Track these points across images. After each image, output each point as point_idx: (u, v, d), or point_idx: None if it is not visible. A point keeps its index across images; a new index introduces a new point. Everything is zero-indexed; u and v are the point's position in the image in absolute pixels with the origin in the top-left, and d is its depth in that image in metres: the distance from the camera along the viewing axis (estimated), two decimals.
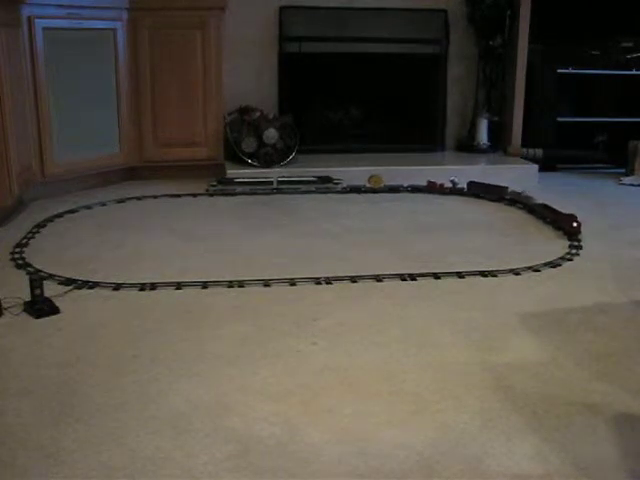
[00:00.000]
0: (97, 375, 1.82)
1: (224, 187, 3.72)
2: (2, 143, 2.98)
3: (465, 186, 3.82)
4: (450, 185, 3.82)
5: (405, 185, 3.88)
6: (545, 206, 3.42)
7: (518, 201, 3.64)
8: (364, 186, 3.82)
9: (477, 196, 3.76)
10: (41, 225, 3.13)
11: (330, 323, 2.16)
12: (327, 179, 3.80)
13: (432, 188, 3.83)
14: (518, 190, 3.72)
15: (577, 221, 3.12)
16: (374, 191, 3.79)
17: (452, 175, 3.86)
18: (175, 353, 1.95)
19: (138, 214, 3.38)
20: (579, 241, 3.02)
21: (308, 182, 3.79)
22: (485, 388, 1.78)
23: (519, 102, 4.37)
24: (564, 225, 3.16)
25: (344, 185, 3.80)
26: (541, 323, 2.18)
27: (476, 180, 3.84)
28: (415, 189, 3.86)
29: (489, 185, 3.79)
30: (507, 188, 3.74)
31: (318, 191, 3.76)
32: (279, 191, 3.75)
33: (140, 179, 3.93)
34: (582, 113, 4.61)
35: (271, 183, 3.77)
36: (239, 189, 3.73)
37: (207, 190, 3.72)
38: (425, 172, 3.99)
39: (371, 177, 3.77)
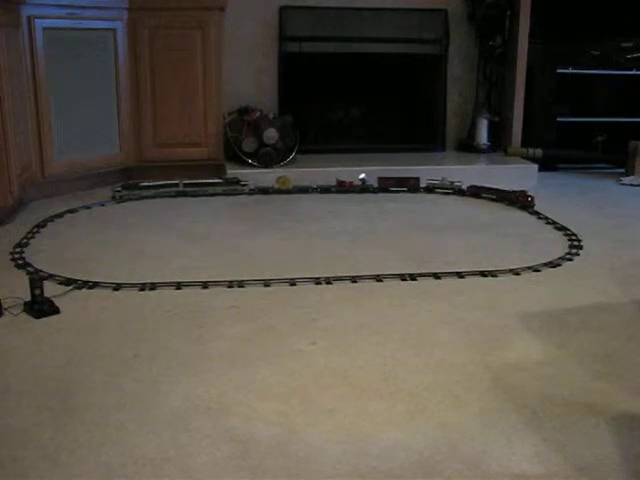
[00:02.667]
0: (97, 375, 1.82)
1: (130, 192, 3.58)
2: (2, 143, 2.98)
3: (376, 182, 3.83)
4: (360, 183, 3.82)
5: (314, 186, 3.83)
6: (490, 188, 3.63)
7: (441, 187, 3.78)
8: (272, 187, 3.78)
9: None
10: (41, 225, 3.13)
11: (330, 323, 2.16)
12: (235, 181, 3.73)
13: (342, 186, 3.81)
14: (437, 178, 3.80)
15: (530, 195, 3.51)
16: (281, 192, 3.74)
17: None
18: (175, 353, 1.95)
19: (138, 214, 3.38)
20: (579, 241, 3.02)
21: (214, 184, 3.71)
22: (485, 388, 1.78)
23: (519, 102, 4.37)
24: (520, 200, 3.48)
25: (252, 187, 3.75)
26: (541, 323, 2.18)
27: (385, 176, 3.85)
28: (324, 189, 3.82)
29: (400, 178, 3.82)
30: (418, 179, 3.81)
31: (225, 193, 3.69)
32: (185, 194, 3.65)
33: (140, 179, 3.92)
34: (582, 113, 4.61)
35: (177, 185, 3.68)
36: (144, 193, 3.61)
37: (113, 197, 3.57)
38: (425, 172, 3.99)
39: (279, 178, 3.74)
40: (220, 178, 3.74)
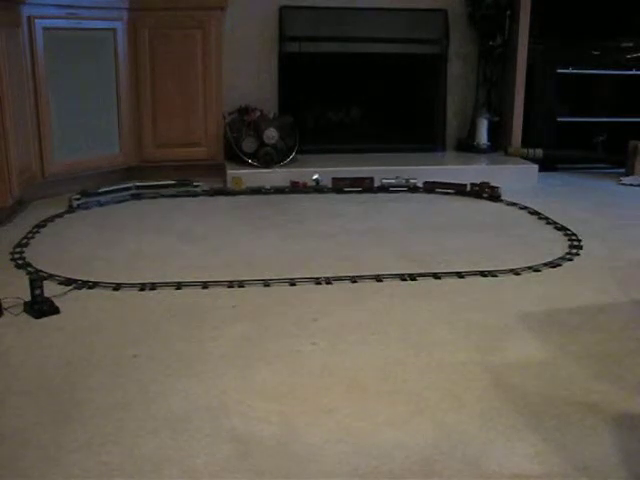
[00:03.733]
0: (97, 375, 1.82)
1: (87, 199, 3.42)
2: (2, 143, 2.98)
3: (330, 183, 3.82)
4: (313, 183, 3.80)
5: (268, 186, 3.80)
6: (446, 183, 3.78)
7: (396, 186, 3.80)
8: (226, 187, 3.73)
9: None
10: (41, 225, 3.13)
11: (330, 323, 2.16)
12: (187, 182, 3.69)
13: (295, 187, 3.79)
14: (392, 177, 3.81)
15: (494, 186, 3.70)
16: (235, 193, 3.70)
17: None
18: (175, 353, 1.95)
19: (138, 214, 3.38)
20: (579, 241, 3.02)
21: (167, 186, 3.67)
22: (485, 388, 1.78)
23: (519, 102, 4.36)
24: (488, 192, 3.66)
25: (205, 188, 3.70)
26: (541, 323, 2.18)
27: (339, 176, 3.84)
28: (278, 190, 3.79)
29: (355, 178, 3.81)
30: (372, 179, 3.81)
31: (178, 194, 3.64)
32: (138, 197, 3.59)
33: (140, 179, 3.92)
34: (582, 113, 4.61)
35: (130, 189, 3.61)
36: (102, 199, 3.49)
37: (70, 205, 3.39)
38: (425, 172, 3.99)
39: (233, 178, 3.72)
40: (174, 179, 3.69)
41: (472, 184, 3.81)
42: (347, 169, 3.93)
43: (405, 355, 1.96)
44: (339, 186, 3.80)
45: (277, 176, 3.85)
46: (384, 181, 3.83)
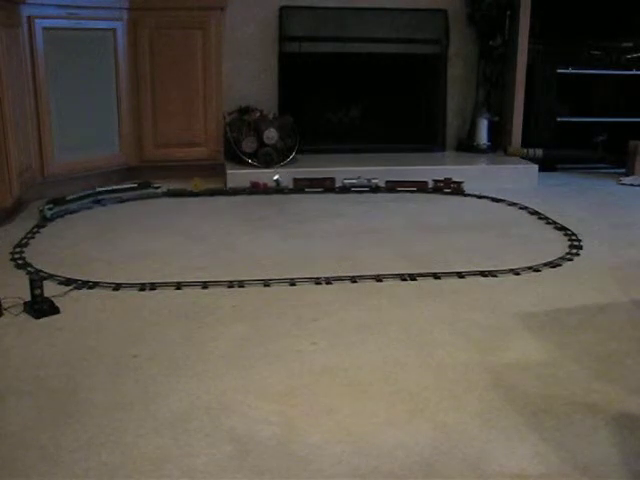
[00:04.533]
0: (97, 375, 1.82)
1: (59, 208, 3.24)
2: (2, 143, 2.98)
3: (291, 184, 3.80)
4: (274, 184, 3.78)
5: (227, 187, 3.75)
6: (408, 181, 3.81)
7: (358, 186, 3.79)
8: (185, 189, 3.67)
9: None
10: (41, 225, 3.13)
11: (330, 323, 2.16)
12: (147, 184, 3.62)
13: (256, 188, 3.75)
14: (353, 177, 3.80)
15: (457, 181, 3.80)
16: (194, 194, 3.65)
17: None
18: (175, 353, 1.95)
19: (138, 214, 3.38)
20: (579, 241, 3.02)
21: (127, 189, 3.59)
22: (485, 388, 1.78)
23: (519, 102, 4.36)
24: (452, 187, 3.75)
25: (164, 190, 3.63)
26: (541, 323, 2.19)
27: (300, 177, 3.83)
28: (235, 191, 3.73)
29: (315, 179, 3.81)
30: (333, 179, 3.80)
31: (142, 197, 3.55)
32: (99, 202, 3.46)
33: (140, 179, 3.92)
34: (582, 113, 4.61)
35: (94, 195, 3.49)
36: (71, 207, 3.34)
37: (43, 216, 3.15)
38: (425, 172, 3.99)
39: (192, 180, 3.65)
40: (135, 182, 3.62)
41: (435, 180, 3.83)
42: (347, 169, 3.93)
43: (405, 355, 1.96)
44: (300, 186, 3.78)
45: (277, 176, 3.84)
46: (345, 181, 3.81)
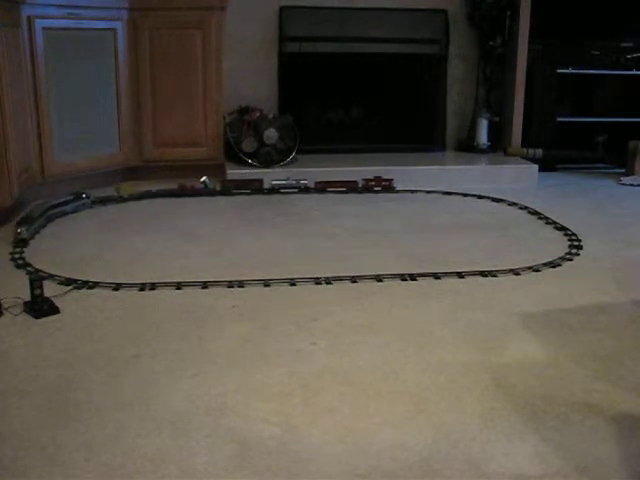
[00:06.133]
0: (97, 375, 1.82)
1: (30, 227, 2.96)
2: (2, 143, 2.98)
3: (218, 186, 3.76)
4: (202, 186, 3.73)
5: (154, 190, 3.65)
6: (338, 181, 3.79)
7: (287, 187, 3.77)
8: (113, 195, 3.55)
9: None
10: (41, 225, 3.12)
11: (330, 323, 2.16)
12: (79, 195, 3.42)
13: (183, 190, 3.69)
14: (282, 178, 3.77)
15: (388, 179, 3.83)
16: (124, 199, 3.54)
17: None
18: (175, 353, 1.95)
19: (138, 214, 3.38)
20: (579, 241, 3.02)
21: (67, 202, 3.34)
22: (485, 388, 1.78)
23: (519, 102, 4.37)
24: (384, 185, 3.79)
25: (93, 199, 3.45)
26: (541, 323, 2.18)
27: (230, 178, 3.81)
28: (164, 193, 3.63)
29: (243, 180, 3.78)
30: (262, 180, 3.78)
31: (74, 210, 3.34)
32: (48, 217, 3.19)
33: (140, 179, 3.92)
34: (582, 113, 4.61)
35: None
36: (42, 223, 3.11)
37: (20, 240, 2.85)
38: (425, 172, 4.00)
39: (120, 186, 3.56)
40: (72, 193, 3.42)
41: (365, 179, 3.83)
42: (347, 169, 3.93)
43: (405, 355, 1.96)
44: (228, 188, 3.74)
45: (277, 176, 3.85)
46: (274, 182, 3.78)
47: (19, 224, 2.94)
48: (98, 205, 3.47)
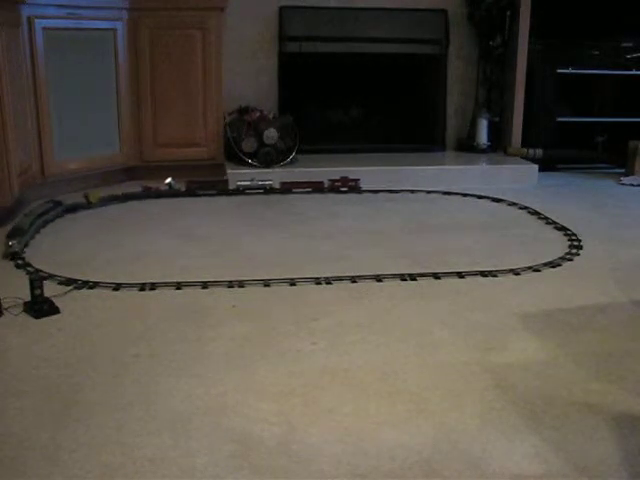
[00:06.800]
0: (97, 375, 1.82)
1: (20, 239, 2.82)
2: (2, 143, 2.98)
3: (183, 187, 3.74)
4: (166, 188, 3.70)
5: (119, 194, 3.59)
6: (303, 182, 3.81)
7: (251, 188, 3.76)
8: (84, 202, 3.43)
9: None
10: (41, 225, 3.12)
11: (330, 323, 2.16)
12: (58, 203, 3.33)
13: (147, 192, 3.64)
14: (247, 179, 3.75)
15: (354, 179, 3.84)
16: (91, 206, 3.41)
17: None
18: (175, 353, 1.95)
19: (138, 214, 3.38)
20: (579, 241, 3.02)
21: (49, 210, 3.25)
22: (485, 388, 1.78)
23: (519, 102, 4.37)
24: (350, 185, 3.81)
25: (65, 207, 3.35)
26: (541, 323, 2.18)
27: (195, 179, 3.79)
28: (130, 196, 3.56)
29: (208, 180, 3.77)
30: (227, 180, 3.75)
31: (58, 215, 3.24)
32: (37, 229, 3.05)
33: (140, 179, 3.92)
34: (582, 113, 4.61)
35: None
36: (28, 235, 2.94)
37: (9, 247, 2.72)
38: (425, 172, 4.00)
39: (89, 192, 3.46)
40: (49, 201, 3.30)
41: (331, 180, 3.84)
42: (347, 169, 3.93)
43: (405, 355, 1.96)
44: (192, 189, 3.73)
45: (277, 176, 3.85)
46: (239, 183, 3.76)
47: (9, 237, 2.80)
48: (69, 213, 3.34)
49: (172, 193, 3.70)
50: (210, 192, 3.73)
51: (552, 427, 1.61)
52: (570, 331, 2.13)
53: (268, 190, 3.78)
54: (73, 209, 3.39)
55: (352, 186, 3.83)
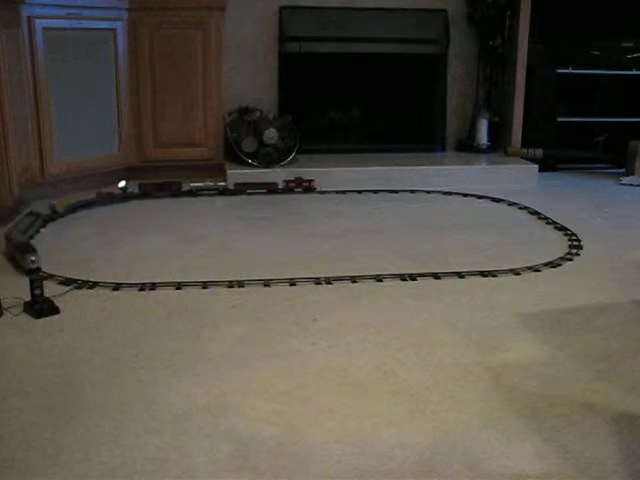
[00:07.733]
0: (97, 375, 1.82)
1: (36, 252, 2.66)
2: (2, 143, 2.98)
3: (137, 189, 3.69)
4: (120, 191, 3.63)
5: (74, 202, 3.44)
6: (258, 183, 3.81)
7: (205, 189, 3.75)
8: (53, 212, 3.32)
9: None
10: (41, 225, 3.12)
11: (330, 323, 2.16)
12: (36, 213, 3.25)
13: (103, 197, 3.57)
14: (200, 181, 3.74)
15: (309, 179, 3.83)
16: (59, 215, 3.32)
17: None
18: (175, 353, 1.95)
19: (138, 214, 3.38)
20: (579, 241, 3.02)
21: (35, 219, 3.16)
22: (485, 388, 1.78)
23: (519, 102, 4.36)
24: (304, 186, 3.82)
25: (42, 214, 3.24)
26: (541, 323, 2.18)
27: (145, 181, 3.74)
28: (84, 204, 3.44)
29: (161, 183, 3.73)
30: (180, 183, 3.73)
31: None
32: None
33: (140, 179, 3.92)
34: (582, 113, 4.61)
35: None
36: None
37: (32, 262, 2.57)
38: (425, 172, 4.00)
39: (54, 203, 3.36)
40: (29, 213, 3.19)
41: (286, 181, 3.83)
42: (347, 169, 3.93)
43: (405, 355, 1.96)
44: (146, 191, 3.69)
45: (277, 176, 3.85)
46: (192, 185, 3.74)
47: (25, 252, 2.61)
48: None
49: (125, 196, 3.62)
50: (164, 194, 3.69)
51: (552, 427, 1.61)
52: (570, 331, 2.13)
53: (222, 191, 3.76)
54: (51, 219, 3.25)
55: (306, 187, 3.84)
